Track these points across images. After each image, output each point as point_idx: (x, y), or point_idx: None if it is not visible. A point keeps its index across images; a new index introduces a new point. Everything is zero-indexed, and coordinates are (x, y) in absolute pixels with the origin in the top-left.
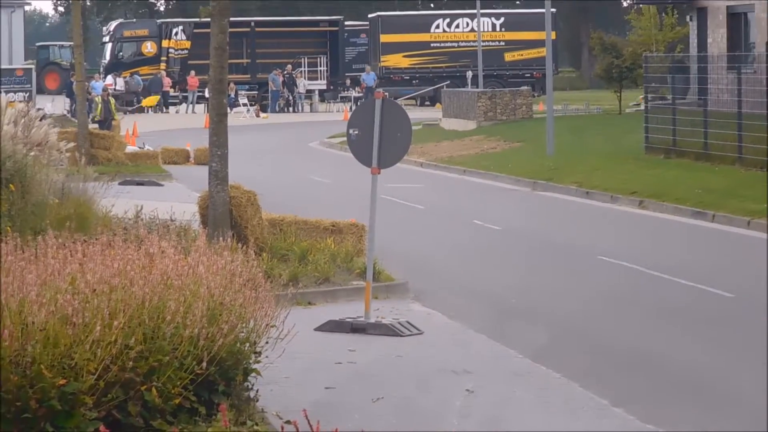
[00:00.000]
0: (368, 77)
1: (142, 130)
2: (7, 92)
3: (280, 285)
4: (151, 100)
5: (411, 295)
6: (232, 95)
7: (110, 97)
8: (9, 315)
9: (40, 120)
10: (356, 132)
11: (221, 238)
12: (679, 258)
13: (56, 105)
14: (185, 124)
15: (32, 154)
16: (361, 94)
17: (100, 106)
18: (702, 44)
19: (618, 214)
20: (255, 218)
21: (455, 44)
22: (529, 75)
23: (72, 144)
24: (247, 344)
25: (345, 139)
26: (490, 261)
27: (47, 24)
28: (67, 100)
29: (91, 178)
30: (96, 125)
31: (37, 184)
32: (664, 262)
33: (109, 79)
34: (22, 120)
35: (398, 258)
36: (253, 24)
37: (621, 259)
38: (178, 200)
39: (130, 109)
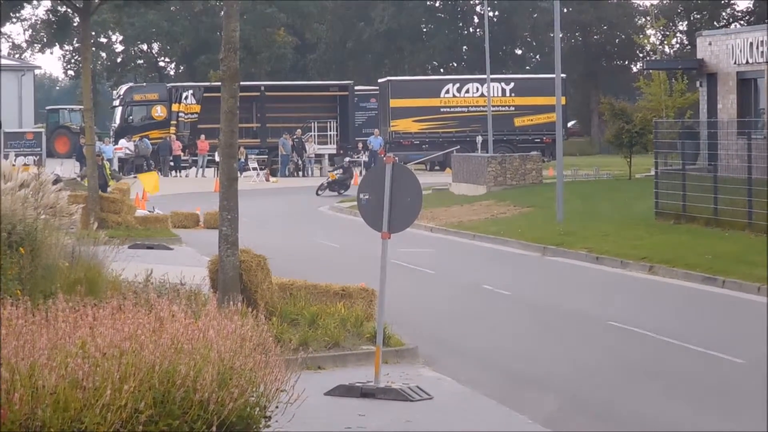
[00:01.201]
0: (375, 141)
1: (151, 194)
2: (17, 155)
3: (290, 349)
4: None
5: (421, 360)
6: (242, 159)
7: (104, 162)
8: (19, 379)
9: (54, 183)
10: (367, 197)
11: (231, 303)
12: (689, 324)
13: (65, 168)
14: (195, 188)
15: (43, 217)
16: (368, 159)
17: (108, 168)
18: (712, 110)
19: (628, 280)
20: (265, 282)
21: (465, 109)
22: (539, 140)
23: (82, 206)
24: (257, 408)
25: (355, 203)
26: (500, 326)
27: (57, 88)
28: (77, 164)
29: (101, 242)
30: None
31: (48, 247)
32: (674, 328)
33: (122, 142)
34: (33, 183)
35: (408, 323)
36: (263, 88)
37: (631, 324)
38: (187, 264)
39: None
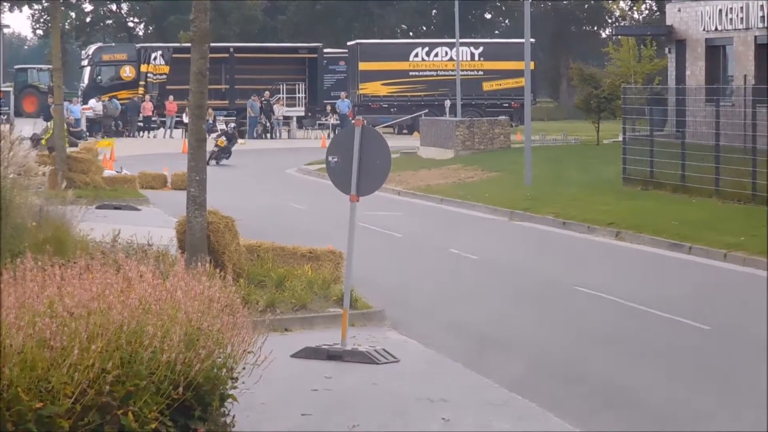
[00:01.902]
0: (343, 104)
1: (119, 154)
2: None
3: (258, 311)
4: (106, 143)
5: (388, 323)
6: (210, 121)
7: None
8: None
9: (33, 143)
10: (335, 159)
11: (199, 264)
12: (655, 290)
13: (37, 128)
14: (163, 149)
15: (11, 176)
16: (338, 122)
17: (50, 131)
18: (680, 77)
19: (595, 245)
20: (233, 244)
21: (434, 73)
22: (507, 105)
23: (50, 168)
24: (224, 370)
25: (323, 166)
26: (466, 290)
27: (25, 47)
28: (45, 124)
29: (69, 202)
30: (46, 151)
31: (16, 207)
32: (640, 293)
33: (91, 102)
34: (1, 142)
35: (375, 286)
36: (232, 50)
37: (597, 290)
38: (155, 225)
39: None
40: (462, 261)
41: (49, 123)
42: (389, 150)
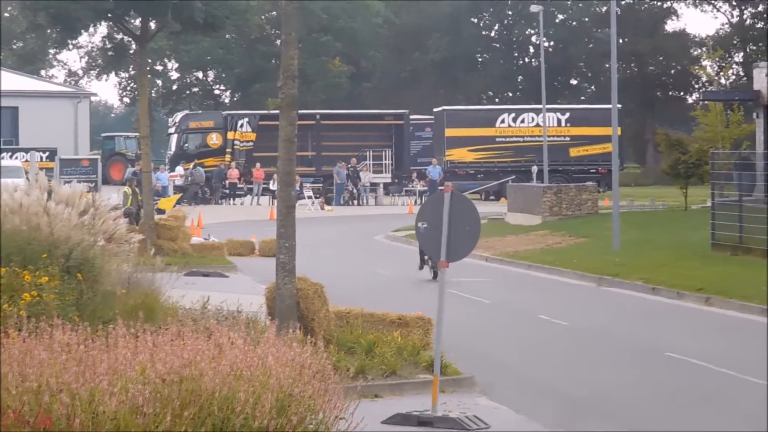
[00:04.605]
0: (434, 171)
1: (207, 221)
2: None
3: (348, 377)
4: (168, 201)
5: (478, 389)
6: (297, 187)
7: (136, 188)
8: (80, 404)
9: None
10: (425, 225)
11: (290, 330)
12: (746, 356)
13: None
14: (249, 215)
15: (101, 243)
16: (426, 188)
17: (130, 197)
18: None
19: (684, 311)
20: (322, 311)
21: (520, 139)
22: (594, 170)
23: (140, 236)
24: None
25: (410, 232)
26: (556, 356)
27: (112, 115)
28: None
29: (158, 269)
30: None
31: (107, 274)
32: (731, 359)
33: (179, 169)
34: (90, 210)
35: (465, 352)
36: (318, 116)
37: (689, 355)
38: (244, 292)
39: (190, 201)
40: (552, 327)
41: (125, 188)
42: (479, 216)
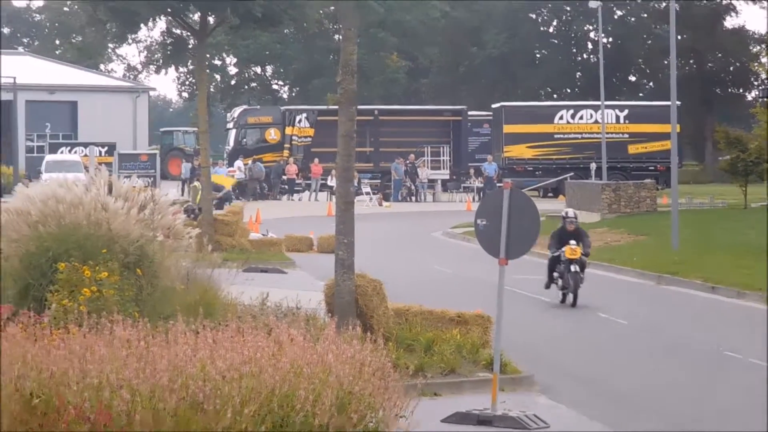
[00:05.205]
0: (490, 167)
1: (265, 217)
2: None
3: (408, 375)
4: (226, 179)
5: (537, 388)
6: (355, 183)
7: (196, 186)
8: (140, 400)
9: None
10: (484, 222)
11: (350, 327)
12: None
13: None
14: (307, 211)
15: (159, 239)
16: (483, 185)
17: (200, 192)
18: None
19: (744, 310)
20: (381, 307)
21: (579, 136)
22: (653, 168)
23: (197, 231)
24: None
25: (468, 229)
26: (616, 355)
27: (171, 109)
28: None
29: (216, 265)
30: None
31: (165, 270)
32: None
33: (238, 164)
34: (149, 205)
35: (524, 350)
36: (376, 112)
37: (748, 355)
38: (302, 288)
39: (250, 196)
40: (611, 325)
41: (196, 183)
42: (538, 213)
